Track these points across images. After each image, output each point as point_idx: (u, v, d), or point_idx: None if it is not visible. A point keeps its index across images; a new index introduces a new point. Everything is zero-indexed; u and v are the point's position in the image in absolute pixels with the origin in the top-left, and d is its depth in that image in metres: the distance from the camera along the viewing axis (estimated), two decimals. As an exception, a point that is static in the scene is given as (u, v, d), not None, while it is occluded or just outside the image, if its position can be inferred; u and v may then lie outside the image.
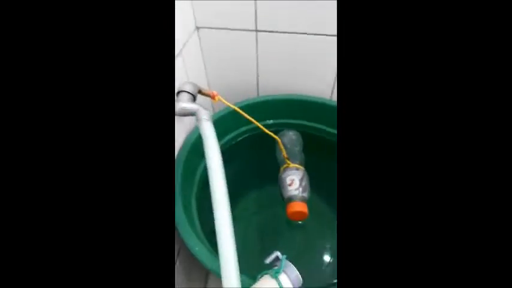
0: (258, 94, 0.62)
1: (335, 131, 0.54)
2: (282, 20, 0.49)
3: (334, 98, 0.57)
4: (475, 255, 0.16)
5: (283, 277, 0.27)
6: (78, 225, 0.16)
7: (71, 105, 0.16)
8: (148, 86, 0.18)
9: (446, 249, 0.16)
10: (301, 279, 0.27)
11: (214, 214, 0.26)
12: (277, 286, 0.26)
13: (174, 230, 0.31)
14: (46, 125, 0.16)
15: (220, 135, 0.41)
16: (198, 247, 0.31)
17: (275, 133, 0.50)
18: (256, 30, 0.52)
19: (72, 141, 0.16)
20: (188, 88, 0.33)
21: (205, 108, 0.31)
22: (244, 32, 0.52)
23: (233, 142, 0.55)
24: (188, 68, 0.49)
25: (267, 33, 0.52)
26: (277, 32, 0.51)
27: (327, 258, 0.46)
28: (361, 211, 0.17)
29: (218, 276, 0.31)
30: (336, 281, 0.41)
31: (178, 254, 0.50)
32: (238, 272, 0.23)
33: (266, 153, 0.55)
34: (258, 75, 0.58)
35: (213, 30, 0.52)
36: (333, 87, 0.56)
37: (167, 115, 0.19)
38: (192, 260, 0.57)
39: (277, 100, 0.55)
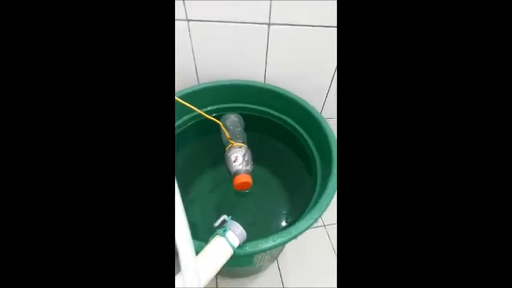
0: (198, 82, 0.65)
1: (271, 111, 0.61)
2: (214, 8, 0.52)
3: (267, 81, 0.64)
4: (473, 250, 0.16)
5: (230, 234, 0.33)
6: (78, 220, 0.16)
7: (70, 93, 0.16)
8: (149, 79, 0.18)
9: (445, 243, 0.16)
10: (245, 233, 0.34)
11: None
12: (226, 242, 0.33)
13: (174, 223, 0.32)
14: (46, 118, 0.16)
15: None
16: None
17: (218, 117, 0.54)
18: (188, 20, 0.54)
19: (72, 130, 0.16)
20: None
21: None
22: (177, 22, 0.54)
23: (179, 131, 0.58)
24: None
25: (198, 22, 0.54)
26: (208, 21, 0.54)
27: (270, 214, 0.55)
28: (361, 206, 0.18)
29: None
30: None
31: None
32: (190, 238, 0.29)
33: (213, 136, 0.60)
34: (195, 66, 0.61)
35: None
36: (265, 72, 0.62)
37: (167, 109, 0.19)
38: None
39: (217, 86, 0.59)
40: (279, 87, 0.59)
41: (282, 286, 0.65)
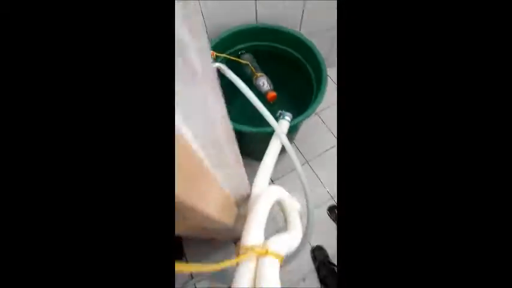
0: (207, 32, 0.86)
1: (277, 45, 0.85)
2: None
3: (259, 21, 0.87)
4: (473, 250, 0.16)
5: (286, 117, 0.67)
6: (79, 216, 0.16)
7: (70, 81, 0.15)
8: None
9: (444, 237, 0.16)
10: (291, 115, 0.69)
11: (253, 102, 0.61)
12: (285, 121, 0.67)
13: (173, 220, 0.36)
14: (48, 99, 0.15)
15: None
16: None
17: (242, 53, 0.79)
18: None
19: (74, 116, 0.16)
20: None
21: (226, 67, 0.62)
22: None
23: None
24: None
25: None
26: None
27: (290, 111, 0.89)
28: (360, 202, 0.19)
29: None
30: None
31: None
32: (274, 118, 0.62)
33: (236, 68, 0.85)
34: (204, 20, 0.82)
35: None
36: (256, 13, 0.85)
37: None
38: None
39: (235, 32, 0.81)
40: (279, 25, 0.82)
41: (301, 154, 1.08)
